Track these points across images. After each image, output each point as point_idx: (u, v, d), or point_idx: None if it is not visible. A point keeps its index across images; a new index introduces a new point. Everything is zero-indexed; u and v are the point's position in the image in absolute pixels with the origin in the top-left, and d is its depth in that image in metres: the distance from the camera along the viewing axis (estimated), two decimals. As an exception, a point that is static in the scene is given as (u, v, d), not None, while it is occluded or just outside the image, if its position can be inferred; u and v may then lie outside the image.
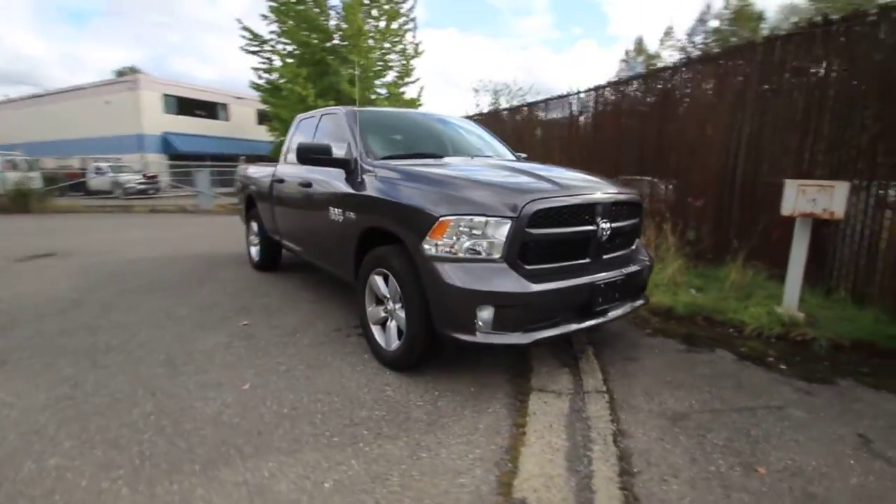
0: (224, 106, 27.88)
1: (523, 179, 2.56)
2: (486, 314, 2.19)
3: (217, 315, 3.68)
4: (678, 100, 5.58)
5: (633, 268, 2.70)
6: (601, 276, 2.46)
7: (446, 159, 3.22)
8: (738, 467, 1.82)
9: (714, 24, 31.69)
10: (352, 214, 2.94)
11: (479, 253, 2.23)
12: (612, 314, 2.59)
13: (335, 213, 3.15)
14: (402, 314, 2.56)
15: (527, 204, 2.20)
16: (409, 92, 15.46)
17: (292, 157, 4.09)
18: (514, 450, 1.93)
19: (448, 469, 1.80)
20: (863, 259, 3.75)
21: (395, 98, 15.30)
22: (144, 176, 18.66)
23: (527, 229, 2.21)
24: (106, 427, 2.06)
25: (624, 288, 2.61)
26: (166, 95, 25.10)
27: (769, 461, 1.86)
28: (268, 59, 14.30)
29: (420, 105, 15.63)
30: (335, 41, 14.19)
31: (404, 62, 14.99)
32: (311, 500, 1.63)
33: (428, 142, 3.63)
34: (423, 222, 2.30)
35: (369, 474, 1.77)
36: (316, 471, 1.78)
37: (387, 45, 14.90)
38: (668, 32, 33.67)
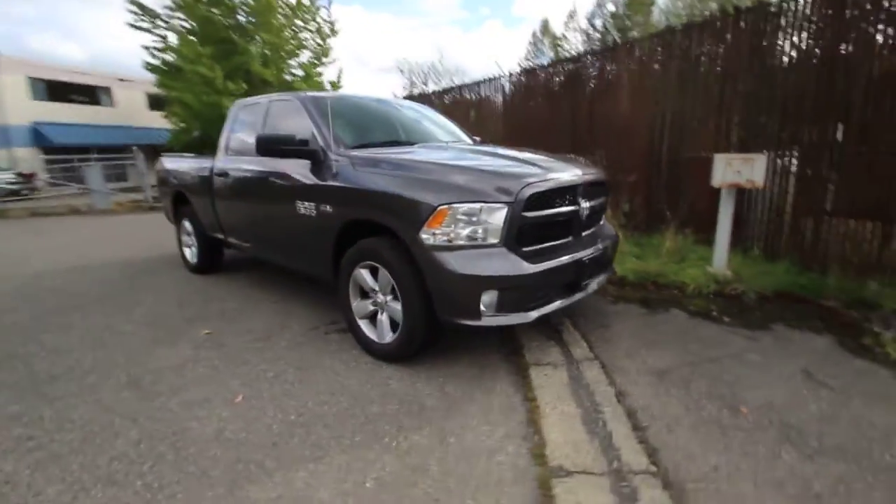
0: (107, 90, 24.44)
1: (509, 164, 2.63)
2: (489, 298, 2.25)
3: (169, 326, 3.35)
4: (604, 83, 5.95)
5: (606, 242, 2.91)
6: (584, 252, 2.62)
7: (417, 146, 3.18)
8: (725, 410, 2.09)
9: (611, 8, 33.72)
10: (328, 207, 2.81)
11: (477, 239, 2.27)
12: (591, 287, 2.79)
13: (304, 207, 2.99)
14: (396, 306, 2.54)
15: (522, 188, 2.28)
16: (328, 73, 14.78)
17: (248, 148, 3.77)
18: (535, 423, 2.03)
19: (481, 450, 1.86)
20: (772, 221, 4.35)
21: (311, 79, 14.53)
22: (21, 175, 15.96)
23: (522, 213, 2.29)
24: (92, 464, 1.83)
25: (601, 262, 2.81)
26: (33, 79, 21.45)
27: (747, 401, 2.16)
28: (162, 36, 12.77)
29: (340, 87, 15.02)
30: (241, 17, 13.04)
31: (320, 42, 14.24)
32: (360, 501, 1.61)
33: (391, 128, 3.54)
34: (419, 212, 2.28)
35: (407, 467, 1.77)
36: (352, 472, 1.75)
37: (299, 22, 14.01)
38: (572, 15, 35.31)
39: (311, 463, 1.81)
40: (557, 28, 37.79)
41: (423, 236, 2.28)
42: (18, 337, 3.21)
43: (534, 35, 36.92)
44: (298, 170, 3.08)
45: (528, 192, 2.29)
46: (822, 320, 3.21)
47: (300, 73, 14.53)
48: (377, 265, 2.58)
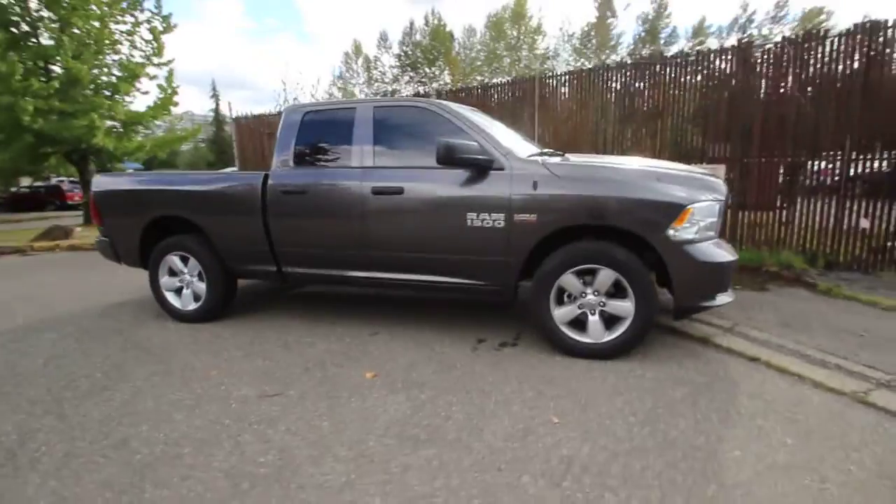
0: None
1: (690, 168, 3.12)
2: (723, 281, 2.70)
3: (304, 381, 2.69)
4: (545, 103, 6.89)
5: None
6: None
7: (583, 156, 3.44)
8: (863, 335, 3.00)
9: (418, 38, 36.81)
10: (531, 217, 2.77)
11: (707, 232, 2.67)
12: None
13: (483, 219, 2.85)
14: (620, 303, 2.73)
15: (726, 187, 2.80)
16: (159, 76, 12.27)
17: (350, 159, 3.25)
18: (787, 372, 2.56)
19: (796, 398, 2.30)
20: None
21: (134, 80, 11.85)
22: None
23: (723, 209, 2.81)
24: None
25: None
26: None
27: (859, 329, 3.12)
28: None
29: (176, 94, 12.64)
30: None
31: (152, 38, 11.71)
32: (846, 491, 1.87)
33: (518, 137, 3.62)
34: (670, 211, 2.57)
35: (796, 429, 2.08)
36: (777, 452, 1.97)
37: (115, 10, 11.28)
38: (384, 38, 36.90)
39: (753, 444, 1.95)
40: (368, 49, 38.92)
41: (671, 233, 2.58)
42: (86, 437, 2.13)
43: (346, 55, 37.32)
44: (450, 181, 2.95)
45: (726, 189, 2.83)
46: (782, 279, 4.63)
47: (117, 72, 11.72)
48: (596, 267, 2.72)
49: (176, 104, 12.63)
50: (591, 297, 2.80)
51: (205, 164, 38.89)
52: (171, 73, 12.40)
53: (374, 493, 1.72)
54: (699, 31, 28.76)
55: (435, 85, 37.12)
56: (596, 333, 2.82)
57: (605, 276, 2.73)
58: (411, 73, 37.76)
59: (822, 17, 25.26)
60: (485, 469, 1.84)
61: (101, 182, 3.94)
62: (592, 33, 32.56)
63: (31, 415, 2.40)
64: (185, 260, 3.75)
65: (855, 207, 4.81)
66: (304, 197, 3.27)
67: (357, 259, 3.28)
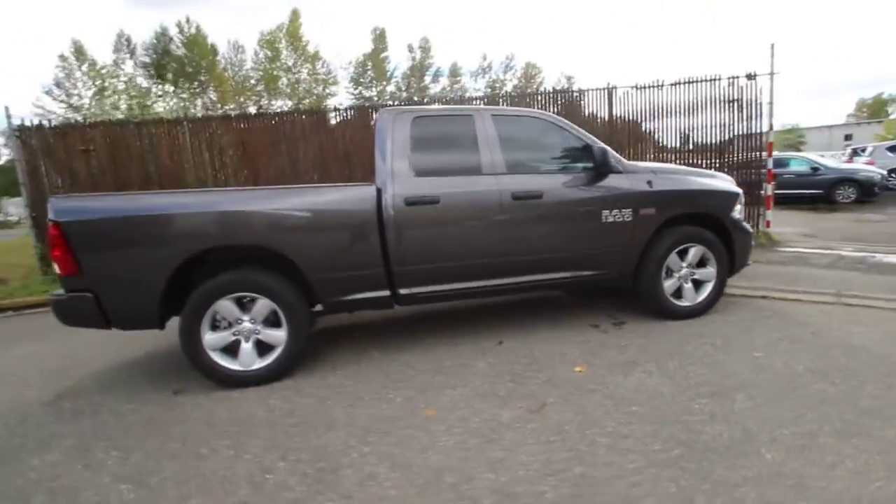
0: None
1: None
2: (749, 247, 3.87)
3: (534, 389, 2.58)
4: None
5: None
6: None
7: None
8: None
9: (175, 50, 32.39)
10: (652, 210, 3.33)
11: (741, 213, 3.78)
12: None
13: (614, 214, 3.27)
14: (706, 270, 3.58)
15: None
16: None
17: (480, 166, 3.15)
18: (805, 301, 3.87)
19: (849, 313, 3.56)
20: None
21: None
22: None
23: (735, 196, 4.01)
24: None
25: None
26: None
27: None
28: None
29: None
30: None
31: None
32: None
33: None
34: (734, 200, 3.58)
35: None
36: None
37: None
38: (127, 42, 30.60)
39: None
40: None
41: (733, 214, 3.59)
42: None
43: (63, 57, 29.47)
44: (579, 183, 3.30)
45: (733, 182, 4.05)
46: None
47: None
48: (691, 245, 3.51)
49: None
50: (685, 270, 3.56)
51: None
52: None
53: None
54: (454, 72, 34.37)
55: (199, 102, 32.94)
56: (691, 297, 3.59)
57: (696, 251, 3.53)
58: (165, 87, 32.56)
59: (537, 71, 33.79)
60: (794, 398, 2.33)
61: (78, 207, 2.54)
62: (369, 64, 34.79)
63: None
64: (245, 303, 2.82)
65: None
66: (436, 207, 2.99)
67: (492, 267, 3.19)
